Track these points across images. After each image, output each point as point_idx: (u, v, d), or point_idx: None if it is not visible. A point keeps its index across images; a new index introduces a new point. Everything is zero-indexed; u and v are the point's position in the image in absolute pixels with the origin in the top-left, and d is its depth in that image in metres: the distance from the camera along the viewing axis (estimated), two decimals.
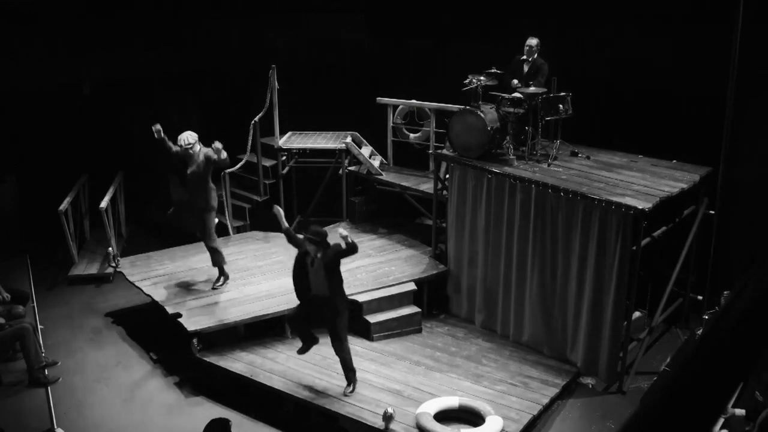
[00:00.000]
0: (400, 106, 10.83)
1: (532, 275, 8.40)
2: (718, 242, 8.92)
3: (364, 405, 7.19)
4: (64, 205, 10.28)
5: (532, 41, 9.10)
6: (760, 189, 8.82)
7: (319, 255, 7.23)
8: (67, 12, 11.55)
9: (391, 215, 11.18)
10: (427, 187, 10.11)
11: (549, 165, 8.67)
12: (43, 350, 8.18)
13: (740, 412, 5.70)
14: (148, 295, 8.93)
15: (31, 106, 11.57)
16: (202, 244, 9.27)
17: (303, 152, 11.17)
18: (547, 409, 7.46)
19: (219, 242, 9.08)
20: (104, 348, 8.89)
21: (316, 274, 7.33)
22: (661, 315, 8.57)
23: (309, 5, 13.00)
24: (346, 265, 9.54)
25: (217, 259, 8.92)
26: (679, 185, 8.17)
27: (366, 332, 8.70)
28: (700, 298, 9.10)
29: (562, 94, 8.71)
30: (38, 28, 11.46)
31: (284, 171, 11.16)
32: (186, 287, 9.03)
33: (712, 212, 8.79)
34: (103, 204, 10.25)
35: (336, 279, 7.31)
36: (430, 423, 6.77)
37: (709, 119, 8.95)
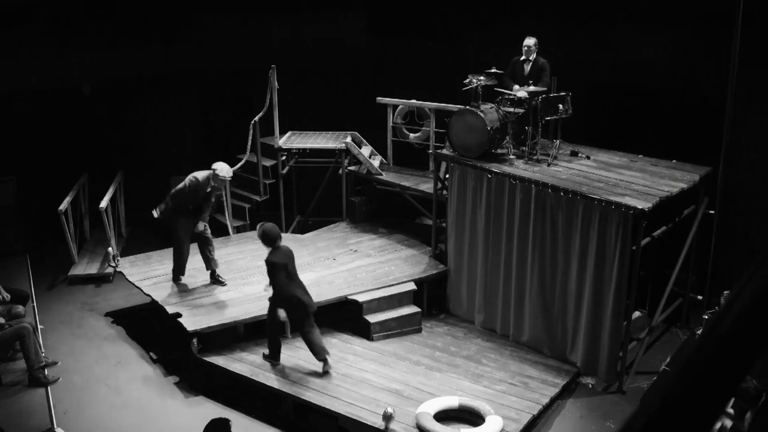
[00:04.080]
0: (400, 106, 10.84)
1: (532, 275, 8.40)
2: (718, 242, 8.92)
3: (364, 405, 7.19)
4: (64, 205, 10.28)
5: (530, 41, 9.09)
6: (760, 189, 8.82)
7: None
8: (67, 12, 11.55)
9: (391, 215, 11.19)
10: (427, 187, 10.11)
11: (549, 165, 8.67)
12: (43, 350, 8.17)
13: (730, 411, 5.69)
14: (148, 295, 8.92)
15: (31, 106, 11.57)
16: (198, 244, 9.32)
17: (303, 152, 11.17)
18: (547, 409, 7.46)
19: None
20: (104, 348, 8.89)
21: None
22: (661, 315, 8.57)
23: (309, 5, 13.00)
24: (346, 265, 9.60)
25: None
26: (679, 185, 8.17)
27: (366, 332, 8.70)
28: (700, 298, 9.10)
29: (562, 93, 8.71)
30: (38, 28, 11.46)
31: (284, 171, 11.16)
32: (186, 287, 9.02)
33: (712, 212, 8.79)
34: (103, 204, 10.24)
35: (274, 283, 7.59)
36: (430, 423, 6.77)
37: (709, 119, 8.95)
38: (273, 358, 8.00)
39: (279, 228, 10.84)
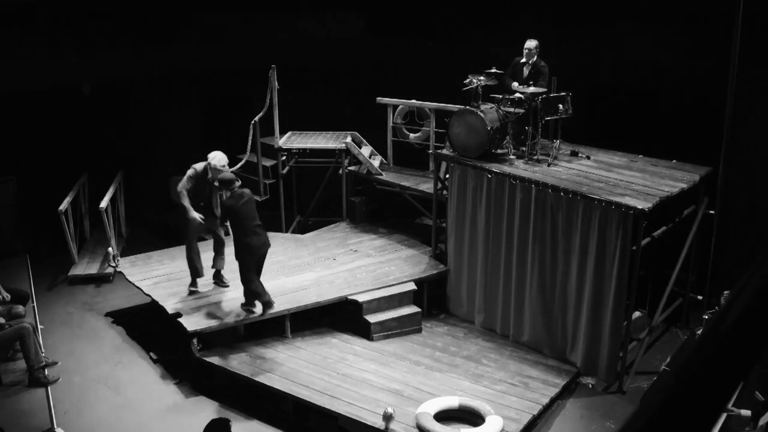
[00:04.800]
0: (400, 106, 10.84)
1: (532, 275, 8.40)
2: (718, 242, 8.92)
3: (364, 405, 7.19)
4: (64, 205, 10.28)
5: (531, 44, 9.09)
6: (760, 189, 8.83)
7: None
8: (67, 12, 11.56)
9: (391, 215, 11.19)
10: (427, 187, 10.11)
11: (549, 165, 8.67)
12: (43, 350, 8.17)
13: (746, 412, 5.68)
14: (148, 295, 8.92)
15: (31, 106, 11.58)
16: (202, 244, 9.30)
17: (303, 152, 11.17)
18: (547, 409, 7.45)
19: None
20: (104, 348, 8.89)
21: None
22: (661, 315, 8.57)
23: (309, 5, 13.01)
24: (346, 265, 9.60)
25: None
26: (679, 185, 8.17)
27: (366, 332, 8.69)
28: (700, 298, 9.10)
29: (562, 94, 8.71)
30: (38, 28, 11.46)
31: (284, 171, 11.16)
32: (186, 287, 9.00)
33: (712, 212, 8.79)
34: (103, 204, 10.24)
35: (232, 229, 8.19)
36: (430, 423, 6.77)
37: (709, 119, 8.95)
38: (253, 304, 8.26)
39: (279, 228, 10.93)
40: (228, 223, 8.55)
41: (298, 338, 8.57)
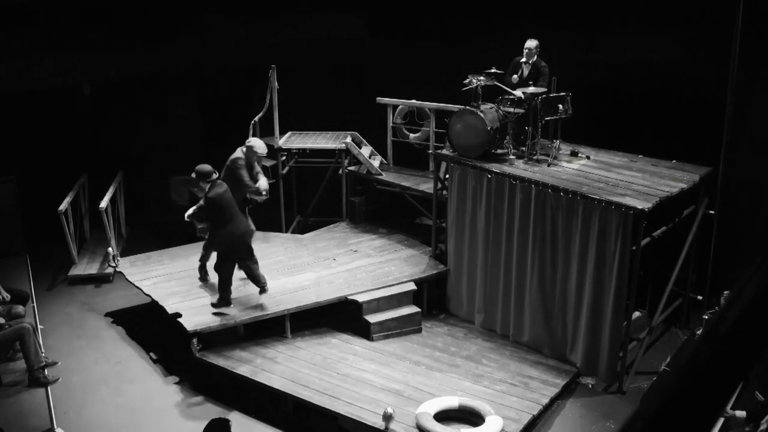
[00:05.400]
0: (400, 106, 10.84)
1: (532, 275, 8.39)
2: (718, 242, 8.91)
3: (364, 405, 7.19)
4: (64, 205, 10.28)
5: (531, 43, 9.08)
6: (761, 189, 8.83)
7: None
8: (67, 12, 11.56)
9: (391, 215, 11.19)
10: (427, 187, 10.11)
11: (549, 165, 8.67)
12: (43, 350, 8.17)
13: (741, 413, 5.69)
14: (148, 295, 8.92)
15: (31, 106, 11.57)
16: (202, 244, 9.30)
17: (303, 152, 11.17)
18: (547, 409, 7.45)
19: None
20: (104, 348, 8.89)
21: None
22: (661, 315, 8.57)
23: (309, 5, 13.00)
24: (346, 265, 9.60)
25: None
26: (679, 185, 8.17)
27: (366, 332, 8.69)
28: (700, 298, 9.10)
29: (562, 94, 8.71)
30: (38, 28, 11.46)
31: (284, 171, 11.16)
32: (186, 287, 9.01)
33: (712, 212, 8.79)
34: (103, 204, 10.24)
35: (215, 221, 8.10)
36: (430, 423, 6.77)
37: (709, 119, 8.95)
38: (226, 303, 8.32)
39: (279, 228, 10.93)
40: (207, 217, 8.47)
41: (298, 338, 8.57)
